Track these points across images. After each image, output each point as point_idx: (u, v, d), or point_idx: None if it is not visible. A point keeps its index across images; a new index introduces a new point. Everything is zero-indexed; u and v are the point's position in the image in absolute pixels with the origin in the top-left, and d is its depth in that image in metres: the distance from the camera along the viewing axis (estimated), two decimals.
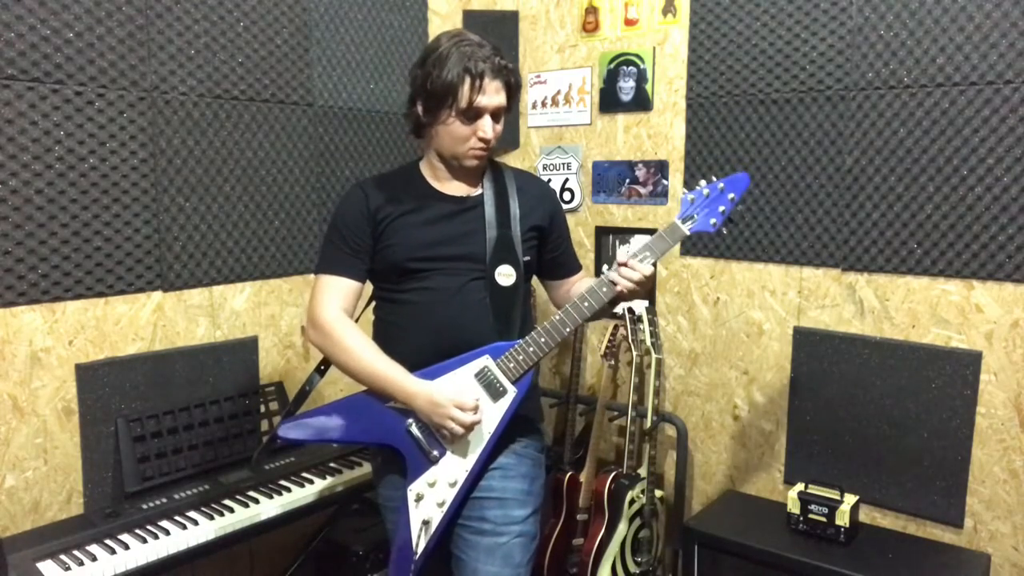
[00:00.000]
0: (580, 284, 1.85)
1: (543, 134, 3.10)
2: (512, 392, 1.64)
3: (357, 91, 2.73)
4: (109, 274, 2.14)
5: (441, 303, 1.66)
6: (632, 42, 2.80)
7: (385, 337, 1.74)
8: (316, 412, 1.75)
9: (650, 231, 2.81)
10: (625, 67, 2.82)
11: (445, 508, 1.64)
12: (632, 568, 2.62)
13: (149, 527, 1.96)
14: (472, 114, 1.63)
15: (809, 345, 2.47)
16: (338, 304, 1.69)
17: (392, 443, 1.68)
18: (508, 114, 1.73)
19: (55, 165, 2.01)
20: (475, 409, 1.60)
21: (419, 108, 1.69)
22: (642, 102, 2.79)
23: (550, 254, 1.84)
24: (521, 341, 1.63)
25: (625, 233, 2.89)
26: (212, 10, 2.30)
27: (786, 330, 2.52)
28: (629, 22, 2.80)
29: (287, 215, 2.55)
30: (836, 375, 2.42)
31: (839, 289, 2.42)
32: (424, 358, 1.65)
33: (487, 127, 1.65)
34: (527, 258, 1.73)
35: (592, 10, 2.89)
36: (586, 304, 1.62)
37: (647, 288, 1.64)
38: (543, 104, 3.08)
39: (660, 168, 2.76)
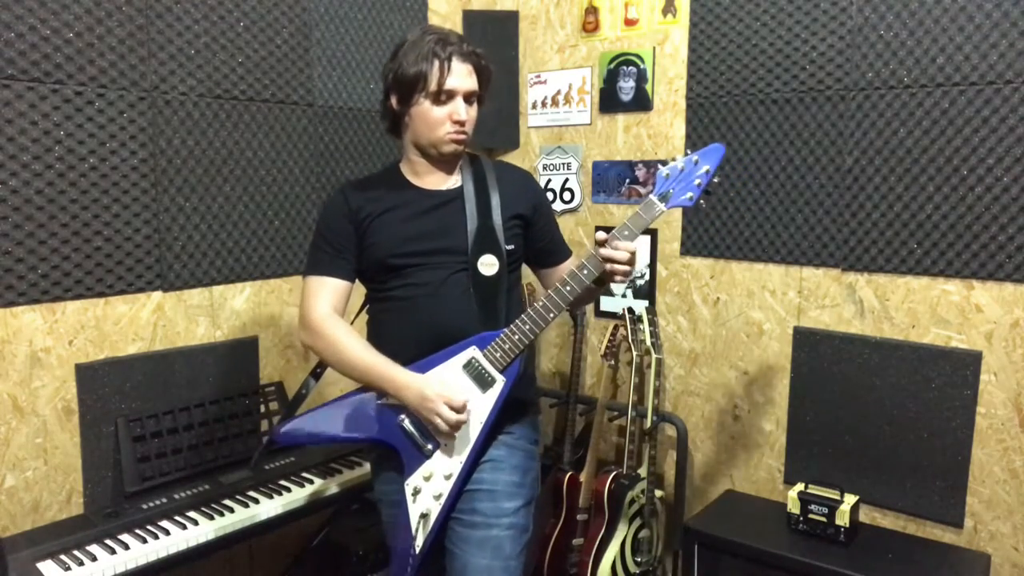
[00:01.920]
0: (568, 266, 1.86)
1: (543, 134, 3.10)
2: (500, 381, 1.65)
3: (357, 91, 2.73)
4: (109, 274, 2.14)
5: (425, 297, 1.69)
6: (632, 42, 2.80)
7: (375, 334, 1.77)
8: (310, 413, 1.76)
9: (650, 231, 2.81)
10: (625, 67, 2.82)
11: (442, 500, 1.66)
12: (632, 568, 2.62)
13: (149, 527, 1.96)
14: (444, 96, 1.67)
15: (809, 345, 2.47)
16: (327, 303, 1.71)
17: (386, 439, 1.69)
18: (482, 103, 1.76)
19: (55, 165, 2.01)
20: (463, 409, 1.61)
21: (393, 101, 1.73)
22: (642, 102, 2.79)
23: (537, 243, 1.85)
24: (506, 330, 1.64)
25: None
26: (212, 10, 2.30)
27: (786, 330, 2.52)
28: (629, 22, 2.80)
29: (287, 215, 2.55)
30: (836, 375, 2.42)
31: (839, 289, 2.42)
32: (412, 353, 1.67)
33: (460, 109, 1.68)
34: (510, 247, 1.74)
35: (592, 10, 2.89)
36: (568, 288, 1.62)
37: (631, 267, 1.63)
38: (543, 104, 3.08)
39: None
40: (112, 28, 2.09)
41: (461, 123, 1.69)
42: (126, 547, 1.87)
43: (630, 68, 2.81)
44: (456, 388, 1.63)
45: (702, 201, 1.66)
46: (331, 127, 2.65)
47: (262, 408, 2.41)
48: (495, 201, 1.75)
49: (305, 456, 2.38)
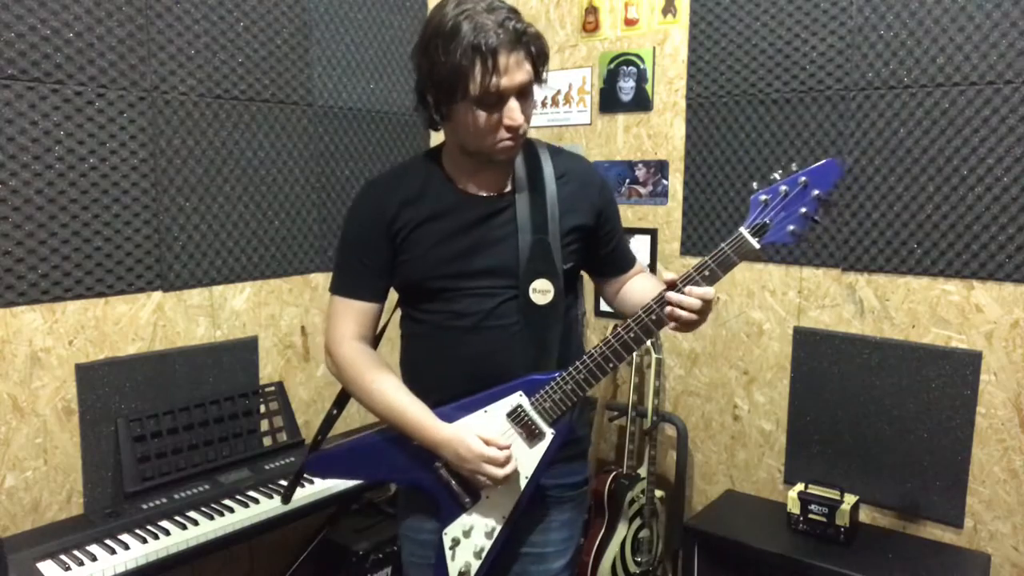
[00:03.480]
0: (636, 283, 1.64)
1: (543, 134, 3.10)
2: (549, 435, 1.44)
3: (357, 91, 2.73)
4: (109, 274, 2.14)
5: (469, 331, 1.47)
6: (632, 42, 2.80)
7: (411, 361, 1.59)
8: (344, 447, 1.60)
9: (650, 231, 2.81)
10: (625, 67, 2.82)
11: (483, 556, 1.50)
12: (632, 568, 2.62)
13: (149, 527, 1.96)
14: (492, 100, 1.35)
15: (809, 345, 2.47)
16: (354, 332, 1.52)
17: (423, 486, 1.52)
18: (541, 85, 1.44)
19: (55, 165, 2.01)
20: (506, 463, 1.41)
21: (430, 100, 1.41)
22: (642, 102, 2.79)
23: (601, 250, 1.59)
24: (558, 376, 1.42)
25: (625, 233, 2.88)
26: (212, 10, 2.30)
27: (786, 330, 2.52)
28: (629, 22, 2.80)
29: (287, 215, 2.55)
30: (836, 375, 2.42)
31: (839, 289, 2.42)
32: (452, 390, 1.48)
33: (515, 112, 1.36)
34: (568, 264, 1.50)
35: (592, 10, 2.89)
36: (631, 335, 1.38)
37: (701, 318, 1.35)
38: (543, 104, 3.08)
39: (660, 168, 2.76)
40: (112, 28, 2.09)
41: (515, 128, 1.38)
42: (126, 547, 1.87)
43: (630, 68, 2.81)
44: (497, 439, 1.43)
45: (811, 232, 1.38)
46: (331, 127, 2.65)
47: (262, 408, 2.41)
48: (553, 211, 1.47)
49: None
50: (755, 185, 1.33)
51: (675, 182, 2.73)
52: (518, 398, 1.45)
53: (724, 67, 2.57)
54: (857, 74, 2.31)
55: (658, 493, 2.65)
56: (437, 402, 1.48)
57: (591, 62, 2.92)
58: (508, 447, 1.43)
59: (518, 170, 1.49)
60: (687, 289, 1.32)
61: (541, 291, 1.45)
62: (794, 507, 2.31)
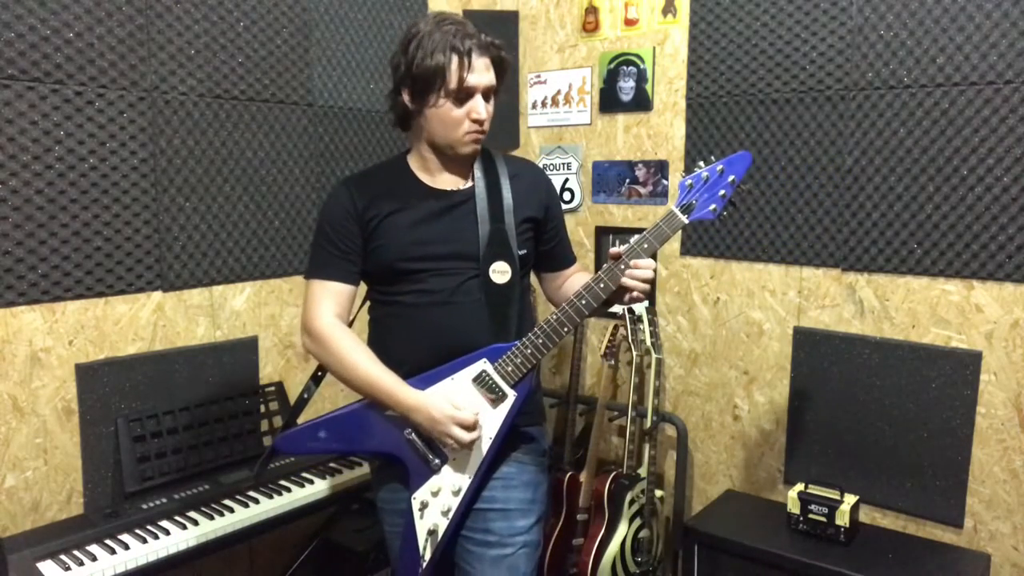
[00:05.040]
0: (575, 279, 1.81)
1: (543, 134, 3.10)
2: (512, 396, 1.60)
3: (357, 91, 2.73)
4: (109, 274, 2.14)
5: (436, 306, 1.62)
6: (632, 42, 2.80)
7: (381, 341, 1.70)
8: (314, 423, 1.69)
9: None
10: (625, 67, 2.82)
11: (451, 516, 1.61)
12: (632, 568, 2.62)
13: (149, 527, 1.96)
14: (463, 95, 1.57)
15: (809, 345, 2.47)
16: (331, 310, 1.64)
17: (392, 452, 1.64)
18: (498, 96, 1.66)
19: (55, 165, 2.01)
20: (475, 426, 1.57)
21: (405, 96, 1.62)
22: (642, 102, 2.79)
23: (545, 245, 1.79)
24: (519, 343, 1.59)
25: (625, 233, 2.89)
26: (212, 10, 2.30)
27: (786, 330, 2.52)
28: (629, 22, 2.80)
29: (287, 215, 2.55)
30: (836, 375, 2.42)
31: (839, 289, 2.42)
32: (421, 363, 1.62)
33: (480, 107, 1.59)
34: (523, 251, 1.68)
35: (592, 10, 2.89)
36: (583, 302, 1.57)
37: (649, 287, 1.58)
38: (543, 104, 3.08)
39: (660, 168, 2.76)
40: (112, 28, 2.09)
41: (481, 122, 1.60)
42: (126, 547, 1.87)
43: (630, 68, 2.81)
44: (466, 405, 1.58)
45: (725, 212, 1.57)
46: (331, 127, 2.65)
47: (262, 408, 2.41)
48: (508, 202, 1.67)
49: (305, 456, 2.38)
50: (683, 173, 1.57)
51: (675, 182, 2.73)
52: (482, 364, 1.60)
53: (724, 67, 2.57)
54: (857, 74, 2.31)
55: (658, 493, 2.66)
56: (407, 374, 1.61)
57: (591, 62, 2.92)
58: (476, 412, 1.58)
59: (476, 169, 1.70)
60: (632, 262, 1.55)
61: (500, 272, 1.63)
62: (794, 507, 2.31)
